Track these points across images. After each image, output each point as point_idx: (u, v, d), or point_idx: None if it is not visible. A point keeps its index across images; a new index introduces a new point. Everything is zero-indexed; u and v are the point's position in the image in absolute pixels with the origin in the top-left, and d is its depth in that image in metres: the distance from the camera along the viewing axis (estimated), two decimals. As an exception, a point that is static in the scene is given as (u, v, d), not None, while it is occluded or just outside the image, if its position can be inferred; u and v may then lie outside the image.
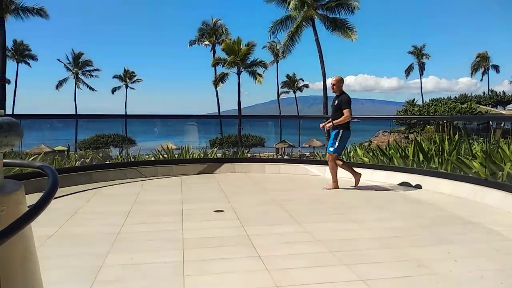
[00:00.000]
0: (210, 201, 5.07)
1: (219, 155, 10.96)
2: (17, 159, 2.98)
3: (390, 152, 7.29)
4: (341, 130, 5.84)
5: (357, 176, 6.02)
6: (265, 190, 5.75)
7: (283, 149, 39.06)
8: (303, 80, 61.29)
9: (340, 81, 5.94)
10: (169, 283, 2.59)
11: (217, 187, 5.99)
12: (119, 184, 6.24)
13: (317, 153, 10.88)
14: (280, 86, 58.96)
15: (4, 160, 1.65)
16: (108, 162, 10.16)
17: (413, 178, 6.05)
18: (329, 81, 6.06)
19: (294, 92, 61.17)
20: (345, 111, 5.76)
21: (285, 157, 24.67)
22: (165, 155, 8.42)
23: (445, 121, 12.62)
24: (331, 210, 4.64)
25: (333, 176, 5.91)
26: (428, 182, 5.81)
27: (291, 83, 60.07)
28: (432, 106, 38.61)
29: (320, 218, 4.28)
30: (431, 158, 6.79)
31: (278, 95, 58.09)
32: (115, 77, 58.55)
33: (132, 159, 8.27)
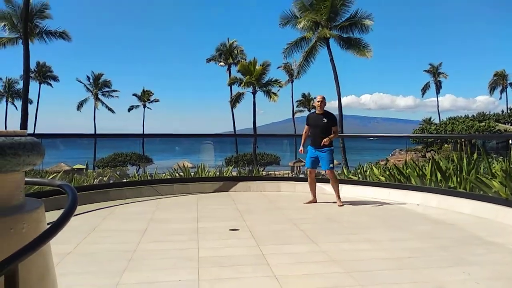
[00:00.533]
0: (225, 219, 5.07)
1: (234, 173, 11.01)
2: (38, 178, 3.05)
3: (407, 171, 7.20)
4: (333, 147, 6.18)
5: (314, 199, 6.27)
6: (280, 209, 5.73)
7: (298, 167, 38.91)
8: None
9: (324, 99, 6.26)
10: (184, 302, 2.59)
11: (232, 206, 5.99)
12: (135, 202, 6.30)
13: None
14: (295, 105, 59.28)
15: (26, 179, 1.70)
16: (125, 180, 10.29)
17: (431, 198, 5.95)
18: (317, 99, 6.24)
19: (309, 111, 61.29)
20: (336, 128, 6.12)
21: (301, 175, 24.57)
22: (181, 173, 8.48)
23: (463, 140, 12.45)
24: (347, 230, 4.59)
25: (335, 192, 6.20)
26: (446, 201, 5.70)
27: (306, 102, 60.28)
28: (450, 125, 38.14)
29: (336, 237, 4.24)
30: (449, 177, 6.69)
31: (293, 114, 58.27)
32: (134, 95, 59.70)
33: (149, 177, 8.35)
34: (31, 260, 1.32)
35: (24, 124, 23.24)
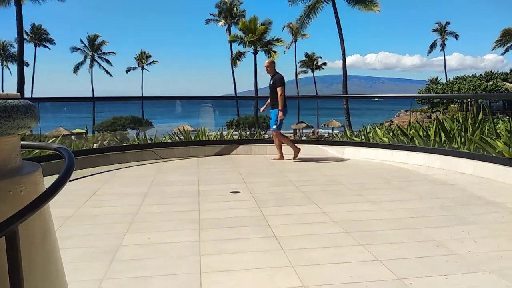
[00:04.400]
0: (226, 182, 5.08)
1: (235, 137, 10.97)
2: (36, 142, 3.03)
3: (411, 132, 7.14)
4: (280, 109, 6.45)
5: (297, 150, 6.65)
6: (281, 172, 5.73)
7: (300, 129, 38.87)
8: (321, 58, 60.44)
9: (273, 63, 6.70)
10: (186, 262, 2.61)
11: (233, 168, 5.99)
12: (136, 165, 6.31)
13: (335, 134, 10.69)
14: (298, 65, 58.33)
15: (23, 142, 1.68)
16: (125, 144, 10.27)
17: (434, 159, 5.92)
18: (264, 64, 6.68)
19: (313, 72, 60.46)
20: (279, 89, 6.38)
21: (303, 138, 24.56)
22: (182, 137, 8.45)
23: (469, 100, 12.27)
24: (349, 191, 4.59)
25: (278, 148, 6.67)
26: (449, 162, 5.68)
27: (310, 62, 59.27)
28: (456, 84, 37.58)
29: (338, 199, 4.25)
30: (454, 137, 6.62)
31: (296, 75, 57.48)
32: (134, 58, 58.85)
33: (149, 141, 8.33)
34: (31, 222, 1.32)
35: (20, 88, 23.01)
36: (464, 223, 3.35)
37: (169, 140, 8.23)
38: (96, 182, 5.15)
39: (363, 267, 2.52)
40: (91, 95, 43.58)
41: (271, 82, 6.54)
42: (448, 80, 45.00)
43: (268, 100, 6.75)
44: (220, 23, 46.84)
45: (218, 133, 8.97)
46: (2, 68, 53.91)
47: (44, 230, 1.50)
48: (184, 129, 9.54)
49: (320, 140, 9.94)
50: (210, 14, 47.50)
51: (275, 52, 39.49)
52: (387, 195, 4.37)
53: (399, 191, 4.57)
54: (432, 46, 61.18)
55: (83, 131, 31.50)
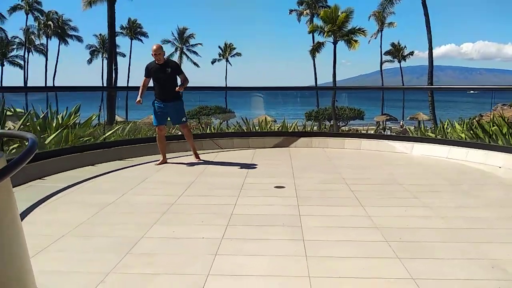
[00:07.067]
0: (274, 175, 4.88)
1: (315, 128, 10.65)
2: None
3: (493, 129, 6.27)
4: (182, 100, 5.70)
5: (165, 159, 5.68)
6: (336, 167, 5.37)
7: (384, 122, 37.03)
8: (406, 48, 56.82)
9: (162, 48, 5.46)
10: (198, 261, 2.48)
11: (287, 161, 5.76)
12: (192, 155, 6.34)
13: (408, 128, 9.77)
14: (384, 56, 55.50)
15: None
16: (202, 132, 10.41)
17: (517, 160, 5.13)
18: (154, 50, 5.37)
19: (399, 62, 57.12)
20: (184, 76, 5.55)
21: (387, 131, 23.24)
22: (244, 128, 8.40)
23: None
24: (406, 193, 4.12)
25: (192, 146, 5.89)
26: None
27: (396, 51, 56.05)
28: None
29: (389, 201, 3.82)
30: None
31: (381, 65, 54.77)
32: (219, 47, 60.61)
33: (211, 131, 8.40)
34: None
35: (109, 79, 24.81)
36: (536, 241, 2.78)
37: (232, 131, 8.22)
38: (150, 170, 5.26)
39: (391, 287, 2.18)
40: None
41: (168, 70, 5.46)
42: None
43: (141, 92, 5.52)
44: (306, 12, 46.17)
45: (286, 124, 8.74)
46: (103, 61, 58.83)
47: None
48: (265, 119, 9.44)
49: (387, 135, 9.27)
50: (297, 3, 47.04)
51: (356, 41, 37.86)
52: (449, 200, 3.84)
53: (465, 196, 4.00)
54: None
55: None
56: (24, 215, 3.32)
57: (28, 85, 45.20)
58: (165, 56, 5.59)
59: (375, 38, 49.81)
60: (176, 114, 5.65)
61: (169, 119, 5.76)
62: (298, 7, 46.55)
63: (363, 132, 14.43)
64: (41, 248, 2.63)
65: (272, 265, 2.44)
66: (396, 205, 3.69)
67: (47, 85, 39.03)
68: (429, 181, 4.64)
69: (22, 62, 50.94)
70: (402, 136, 7.44)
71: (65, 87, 8.16)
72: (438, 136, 7.41)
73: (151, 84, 5.60)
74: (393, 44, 56.32)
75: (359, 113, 38.42)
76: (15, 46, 52.00)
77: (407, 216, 3.36)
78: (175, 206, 3.64)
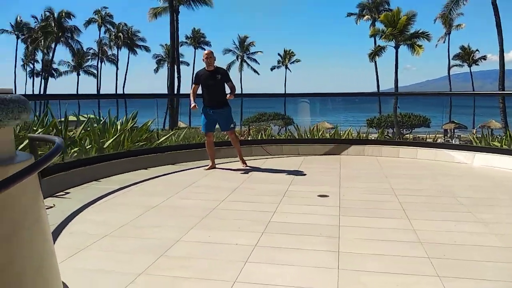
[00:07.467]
0: (319, 184, 4.78)
1: (375, 136, 10.31)
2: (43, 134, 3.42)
3: None
4: (230, 106, 5.80)
5: (213, 165, 5.79)
6: (387, 177, 5.14)
7: (452, 130, 35.02)
8: (479, 52, 53.27)
9: (213, 54, 5.65)
10: (228, 267, 2.48)
11: (335, 170, 5.62)
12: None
13: (471, 137, 8.97)
14: (452, 60, 52.55)
15: (30, 135, 1.82)
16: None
17: None
18: (206, 54, 5.62)
19: (469, 66, 53.73)
20: (232, 84, 5.69)
21: (455, 140, 21.91)
22: (296, 135, 8.34)
23: None
24: (458, 206, 3.84)
25: (238, 152, 5.95)
26: None
27: (466, 55, 52.78)
28: None
29: (439, 215, 3.59)
30: None
31: (449, 69, 51.88)
32: (278, 54, 61.02)
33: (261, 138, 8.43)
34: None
35: (171, 87, 25.83)
36: None
37: (283, 137, 8.20)
38: (198, 174, 5.38)
39: (425, 306, 2.03)
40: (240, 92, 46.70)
41: (218, 76, 5.56)
42: None
43: (193, 98, 5.63)
44: (366, 17, 45.19)
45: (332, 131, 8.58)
46: (168, 69, 61.57)
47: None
48: (323, 126, 9.37)
49: (446, 144, 8.72)
50: (357, 7, 46.16)
51: (420, 46, 36.17)
52: (508, 216, 3.52)
53: (528, 212, 3.64)
54: None
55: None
56: (74, 214, 3.54)
57: (100, 92, 48.55)
58: (215, 64, 5.72)
59: (443, 42, 47.36)
60: (225, 120, 5.75)
61: (217, 126, 5.89)
62: (359, 11, 45.62)
63: (428, 140, 13.71)
64: (83, 246, 2.78)
65: (301, 276, 2.38)
66: (446, 219, 3.45)
67: (117, 93, 41.81)
68: (487, 194, 4.30)
69: (95, 72, 54.88)
70: (463, 145, 6.97)
71: (129, 94, 8.62)
72: (505, 146, 6.84)
73: (199, 91, 5.76)
74: (462, 48, 53.11)
75: (425, 120, 36.64)
76: (89, 57, 56.15)
77: (456, 232, 3.13)
78: (216, 211, 3.68)
